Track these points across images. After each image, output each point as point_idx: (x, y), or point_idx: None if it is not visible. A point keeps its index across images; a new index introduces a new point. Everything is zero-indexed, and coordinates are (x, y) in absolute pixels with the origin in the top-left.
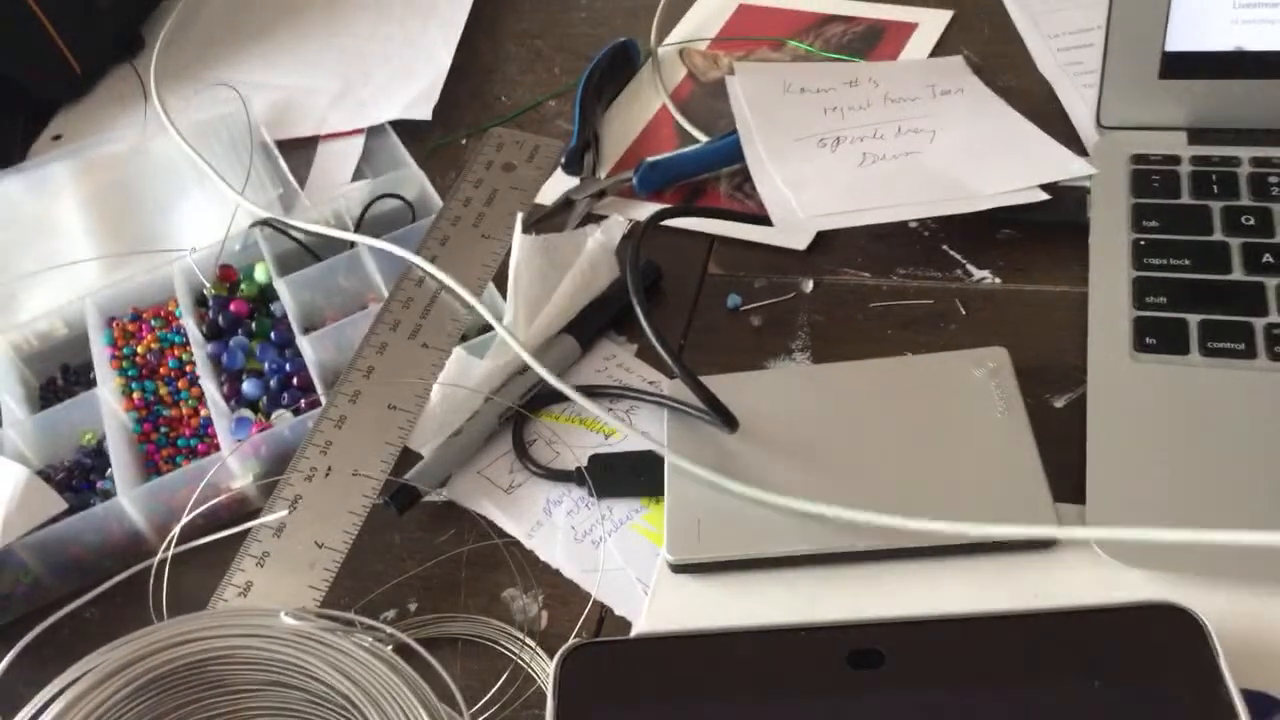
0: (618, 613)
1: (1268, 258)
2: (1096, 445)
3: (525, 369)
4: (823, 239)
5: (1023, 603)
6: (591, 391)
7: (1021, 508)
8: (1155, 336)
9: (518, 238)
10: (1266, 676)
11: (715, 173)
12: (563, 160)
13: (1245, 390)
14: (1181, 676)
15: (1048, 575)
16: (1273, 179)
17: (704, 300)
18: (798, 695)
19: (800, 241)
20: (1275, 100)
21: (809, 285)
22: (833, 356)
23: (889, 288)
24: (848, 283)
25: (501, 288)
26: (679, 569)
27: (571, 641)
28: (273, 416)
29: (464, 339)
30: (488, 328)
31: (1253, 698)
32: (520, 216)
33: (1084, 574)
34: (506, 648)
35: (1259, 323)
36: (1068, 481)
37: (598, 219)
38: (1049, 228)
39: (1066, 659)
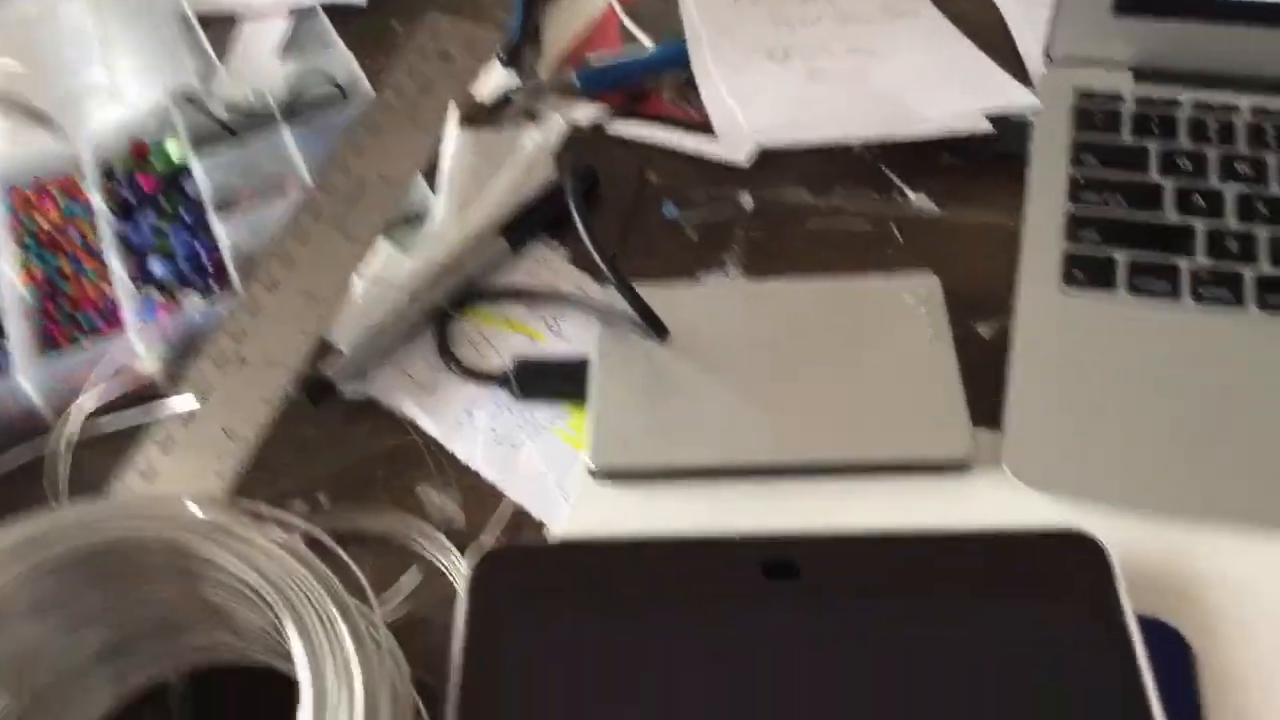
0: (536, 517)
1: (1199, 201)
2: (1018, 375)
3: (452, 267)
4: (764, 155)
5: (936, 524)
6: (520, 294)
7: (940, 432)
8: (1084, 271)
9: (451, 132)
10: (1163, 605)
11: (659, 79)
12: (501, 54)
13: (1167, 330)
14: (1082, 600)
15: (962, 498)
16: (1210, 124)
17: (640, 208)
18: (713, 604)
19: (742, 156)
20: (1221, 45)
21: (748, 200)
22: (768, 274)
23: (827, 208)
24: (786, 200)
25: (432, 182)
26: (600, 476)
27: (488, 545)
28: (183, 300)
29: (389, 231)
30: (415, 220)
31: (1148, 624)
32: (455, 109)
33: (997, 499)
34: (421, 546)
35: (1185, 264)
36: (989, 409)
37: (535, 118)
38: (989, 157)
39: (973, 579)
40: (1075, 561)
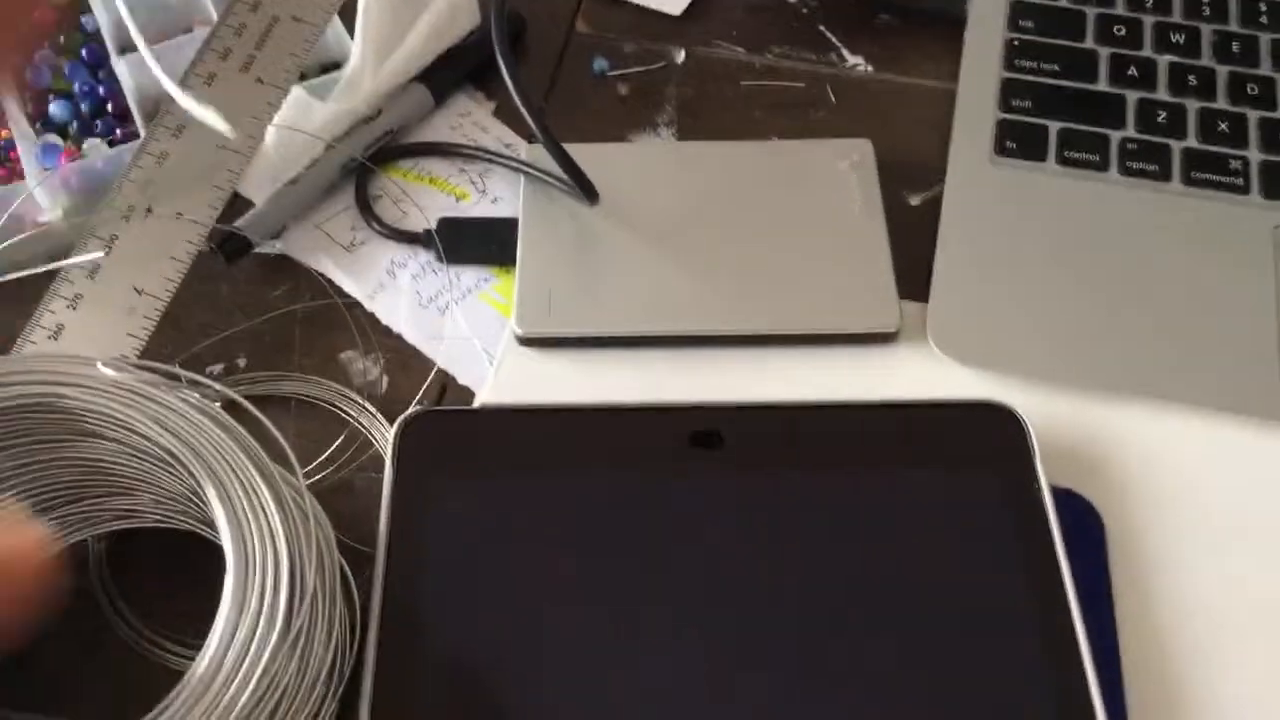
0: (461, 382)
1: (1132, 70)
2: (946, 244)
3: (371, 117)
4: (698, 6)
5: (861, 394)
6: (444, 149)
7: (868, 303)
8: (1016, 141)
9: None
10: (1078, 476)
11: None
12: None
13: (1094, 202)
14: (998, 470)
15: (888, 370)
16: None
17: (569, 61)
18: (638, 471)
19: (675, 5)
20: None
21: (680, 55)
22: (700, 134)
23: (762, 66)
24: (720, 57)
25: (350, 25)
26: (526, 342)
27: (414, 408)
28: (84, 146)
29: (304, 78)
30: (331, 67)
31: (1062, 494)
32: None
33: (921, 371)
34: (343, 410)
35: (1115, 135)
36: (916, 280)
37: None
38: (927, 17)
39: (893, 448)
40: (993, 432)
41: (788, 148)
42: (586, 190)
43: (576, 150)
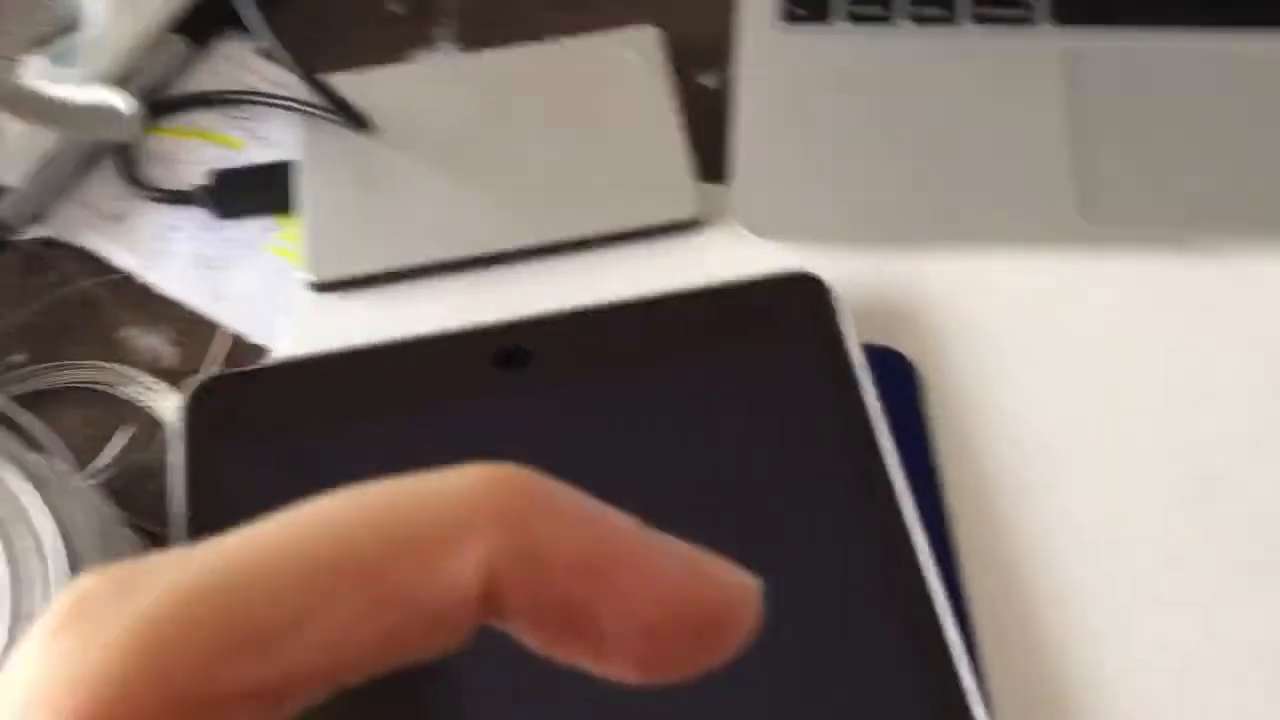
0: (255, 341)
1: None
2: (741, 123)
3: (126, 77)
4: None
5: (673, 287)
6: (208, 99)
7: (664, 193)
8: (803, 3)
9: None
10: (894, 333)
11: None
12: None
13: (888, 54)
14: (810, 339)
15: (696, 257)
16: None
17: None
18: (446, 402)
19: None
20: None
21: None
22: (483, 44)
23: None
24: None
25: None
26: (321, 287)
27: (199, 376)
28: None
29: (44, 44)
30: (72, 28)
31: (877, 352)
32: None
33: (731, 253)
34: (131, 391)
35: None
36: (721, 163)
37: None
38: None
39: (702, 333)
40: (801, 302)
41: (570, 46)
42: (356, 119)
43: (349, 79)
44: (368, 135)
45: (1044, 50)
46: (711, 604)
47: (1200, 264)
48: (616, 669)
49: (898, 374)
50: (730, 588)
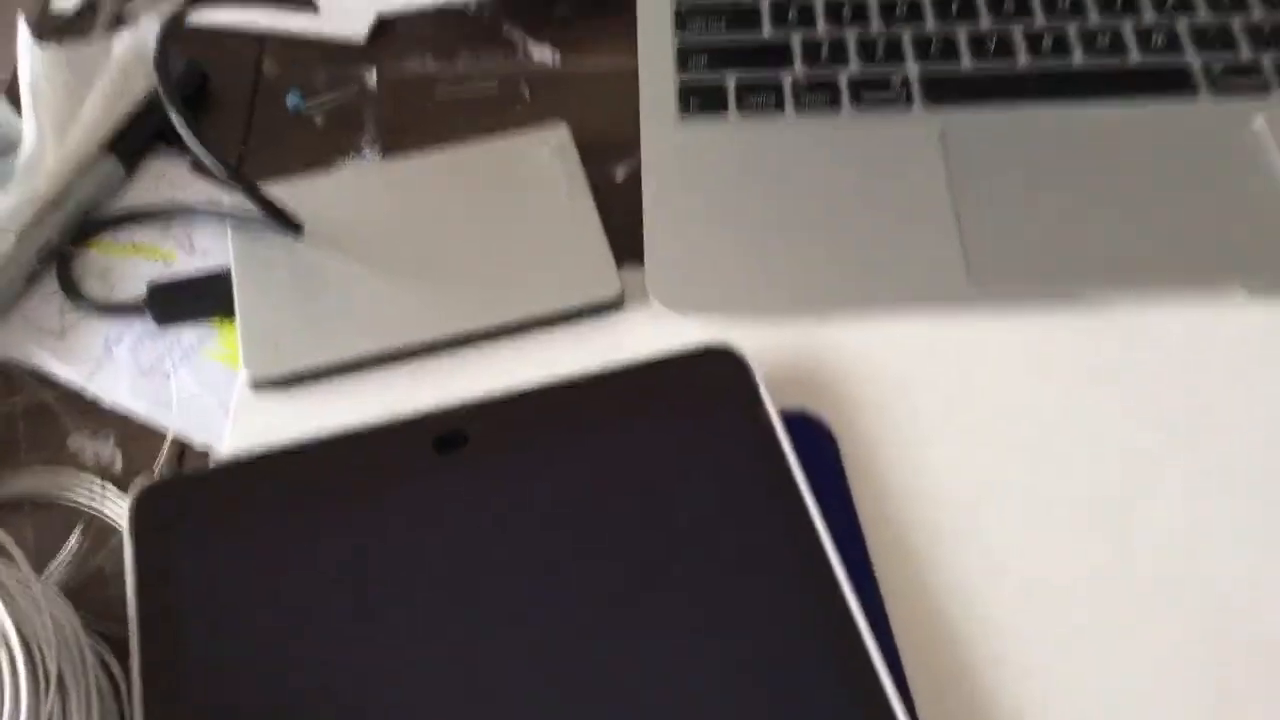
0: (200, 443)
1: (792, 14)
2: (650, 207)
3: (60, 197)
4: (383, 30)
5: (599, 366)
6: (143, 214)
7: (587, 276)
8: (698, 98)
9: (27, 48)
10: (810, 398)
11: None
12: None
13: (779, 141)
14: (730, 409)
15: (620, 336)
16: None
17: (261, 104)
18: (389, 489)
19: (358, 30)
20: None
21: (372, 77)
22: (403, 150)
23: (455, 75)
24: (413, 72)
25: (18, 104)
26: (261, 387)
27: (142, 481)
28: None
29: None
30: (5, 152)
31: (794, 418)
32: (24, 21)
33: (651, 330)
34: (80, 499)
35: (786, 76)
36: (636, 248)
37: (125, 21)
38: (601, 2)
39: (627, 410)
40: (718, 373)
41: (487, 146)
42: (288, 223)
43: (280, 188)
44: (298, 239)
45: (921, 130)
46: None
47: (1083, 315)
48: None
49: (815, 436)
50: None
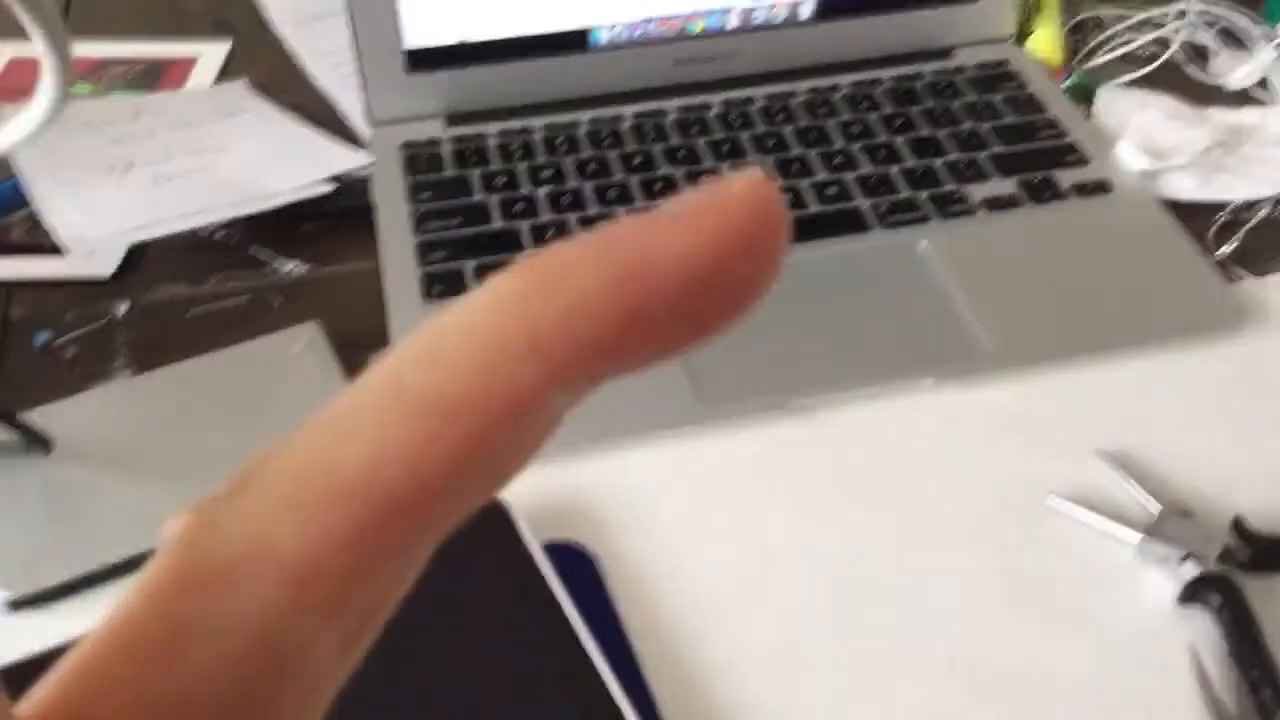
0: None
1: (518, 207)
2: None
3: None
4: (133, 262)
5: None
6: None
7: None
8: (440, 285)
9: None
10: (575, 529)
11: (8, 219)
12: None
13: None
14: (495, 546)
15: None
16: (514, 146)
17: (11, 346)
18: None
19: (105, 267)
20: (510, 81)
21: (122, 308)
22: (159, 368)
23: (205, 295)
24: (163, 297)
25: None
26: (18, 605)
27: None
28: None
29: None
30: None
31: (559, 549)
32: None
33: None
34: None
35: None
36: None
37: None
38: (345, 215)
39: None
40: (480, 519)
41: (239, 352)
42: (37, 442)
43: (28, 415)
44: (49, 458)
45: None
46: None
47: (801, 420)
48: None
49: (579, 562)
50: (741, 192)
